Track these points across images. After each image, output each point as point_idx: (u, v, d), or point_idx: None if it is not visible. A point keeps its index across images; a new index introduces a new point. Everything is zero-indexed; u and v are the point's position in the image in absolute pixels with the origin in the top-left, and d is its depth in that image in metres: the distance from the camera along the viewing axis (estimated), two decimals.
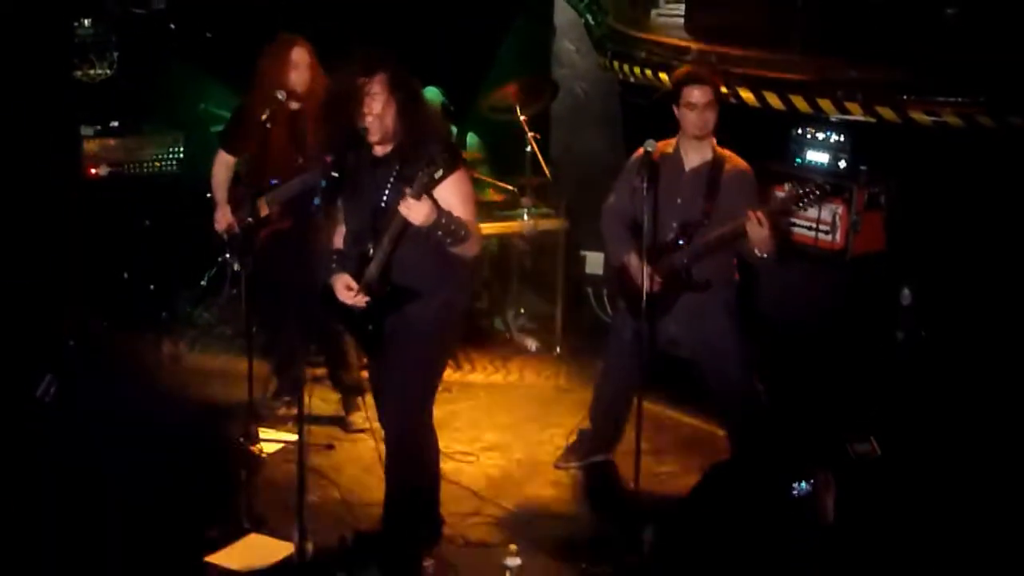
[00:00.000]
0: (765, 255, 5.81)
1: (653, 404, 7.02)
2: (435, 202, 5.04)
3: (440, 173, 4.94)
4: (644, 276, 5.59)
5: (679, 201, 6.04)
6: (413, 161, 5.12)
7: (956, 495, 5.48)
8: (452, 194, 5.15)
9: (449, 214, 5.06)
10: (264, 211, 6.54)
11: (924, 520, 5.34)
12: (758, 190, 6.09)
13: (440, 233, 5.05)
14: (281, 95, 6.36)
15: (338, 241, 5.51)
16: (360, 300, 5.30)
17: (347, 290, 5.31)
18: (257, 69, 6.61)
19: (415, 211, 4.98)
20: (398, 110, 5.15)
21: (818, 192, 5.75)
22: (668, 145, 6.12)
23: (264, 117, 6.24)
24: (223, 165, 6.83)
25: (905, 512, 5.37)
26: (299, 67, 6.49)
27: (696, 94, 5.94)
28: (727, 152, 6.08)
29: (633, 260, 6.05)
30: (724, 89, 6.38)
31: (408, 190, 4.98)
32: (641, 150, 5.79)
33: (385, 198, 5.21)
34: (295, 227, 6.47)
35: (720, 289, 6.10)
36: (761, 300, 7.05)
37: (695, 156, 6.07)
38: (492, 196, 8.45)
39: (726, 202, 5.96)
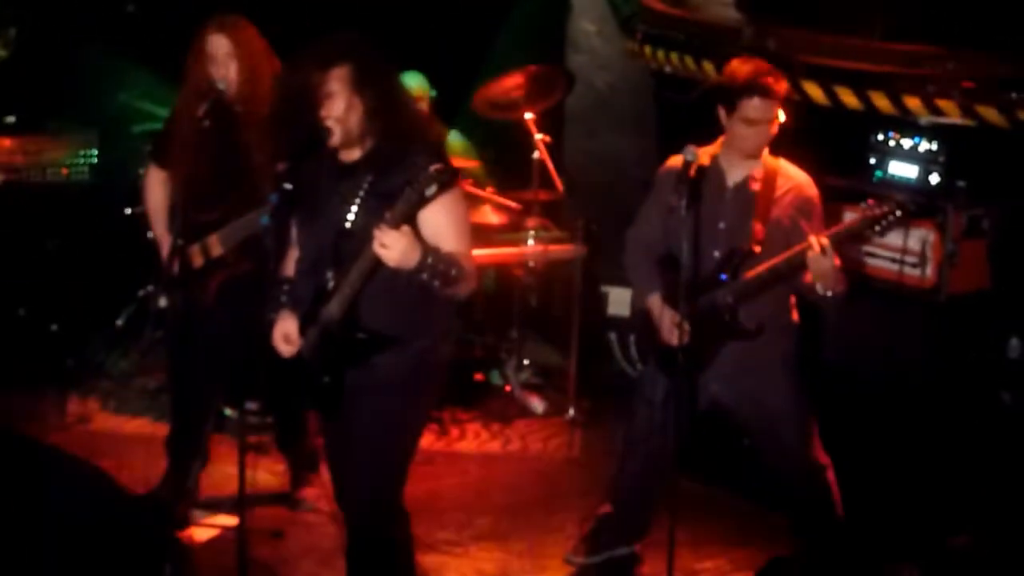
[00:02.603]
0: (830, 293, 5.79)
1: (692, 481, 7.00)
2: (419, 235, 5.00)
3: (433, 189, 4.88)
4: (672, 324, 5.58)
5: (722, 225, 6.03)
6: (390, 171, 5.11)
7: None
8: (444, 218, 5.11)
9: (436, 252, 5.00)
10: (216, 250, 6.54)
11: None
12: (822, 210, 6.09)
13: (425, 276, 5.01)
14: (222, 84, 6.36)
15: (289, 268, 5.50)
16: (293, 351, 5.32)
17: (285, 341, 5.32)
18: (187, 60, 6.57)
19: (393, 248, 4.89)
20: (367, 111, 5.14)
21: (900, 212, 5.72)
22: (705, 154, 6.06)
23: (201, 113, 6.23)
24: (157, 183, 6.77)
25: None
26: (217, 60, 6.41)
27: (757, 108, 5.88)
28: (781, 162, 6.07)
29: (656, 304, 6.06)
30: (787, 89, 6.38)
31: (387, 215, 4.89)
32: (678, 159, 5.78)
33: (352, 216, 5.19)
34: (255, 272, 6.41)
35: (774, 337, 6.08)
36: (830, 350, 7.05)
37: (740, 168, 6.06)
38: (488, 216, 8.45)
39: (781, 225, 5.96)
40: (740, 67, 6.05)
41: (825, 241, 5.67)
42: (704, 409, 6.25)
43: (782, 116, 5.93)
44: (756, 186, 6.02)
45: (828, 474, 6.20)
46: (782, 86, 5.96)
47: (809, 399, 6.18)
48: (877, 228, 5.78)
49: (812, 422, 6.18)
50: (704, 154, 6.01)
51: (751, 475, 6.70)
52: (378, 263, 5.00)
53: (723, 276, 6.01)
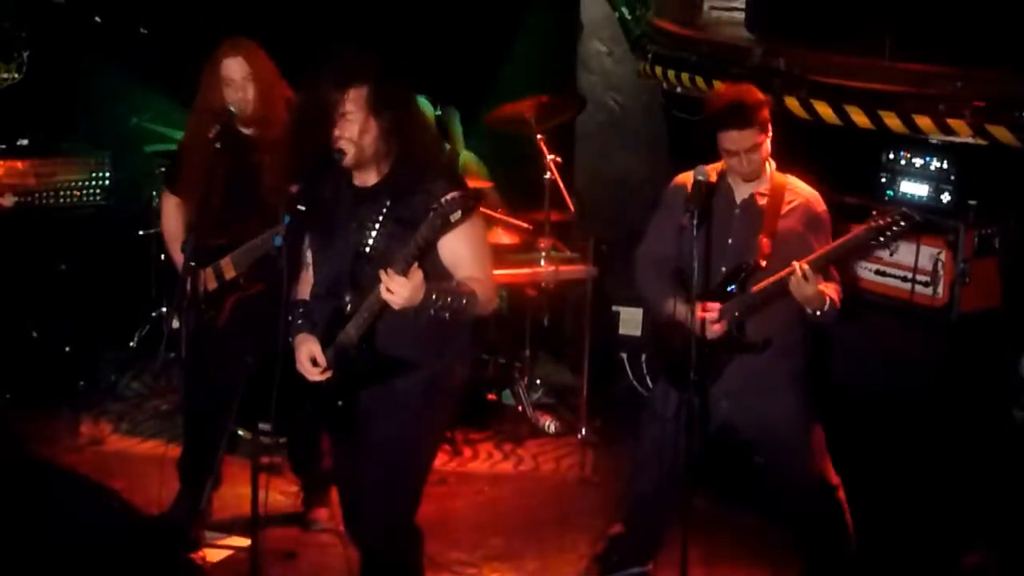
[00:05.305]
0: (818, 313, 5.84)
1: (704, 499, 7.00)
2: (435, 261, 5.05)
3: (458, 215, 4.88)
4: (696, 327, 5.63)
5: (730, 241, 6.07)
6: (409, 196, 5.13)
7: None
8: (462, 243, 5.14)
9: (444, 289, 5.02)
10: (230, 273, 6.57)
11: None
12: (830, 225, 6.11)
13: (432, 312, 5.02)
14: (234, 107, 6.39)
15: (303, 291, 5.50)
16: (323, 376, 5.32)
17: (311, 364, 5.30)
18: (199, 85, 6.61)
19: (398, 295, 4.91)
20: (382, 133, 5.14)
21: (903, 223, 5.76)
22: (712, 171, 6.11)
23: (212, 135, 6.25)
24: (173, 210, 6.82)
25: None
26: (233, 83, 6.44)
27: (733, 139, 5.94)
28: (789, 178, 6.11)
29: (681, 308, 6.04)
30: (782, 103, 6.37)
31: (399, 256, 4.90)
32: (686, 176, 5.84)
33: (372, 241, 5.20)
34: (267, 293, 6.42)
35: (783, 354, 6.10)
36: (840, 369, 7.05)
37: (748, 185, 6.10)
38: (500, 236, 8.46)
39: (789, 240, 5.98)
40: (717, 98, 6.11)
41: (806, 267, 5.71)
42: (716, 428, 6.27)
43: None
44: (763, 202, 6.06)
45: (839, 494, 6.21)
46: (762, 113, 5.97)
47: (819, 418, 6.19)
48: (882, 239, 5.81)
49: (822, 441, 6.19)
50: (712, 171, 6.07)
51: (763, 493, 6.70)
52: (385, 303, 5.01)
53: (731, 289, 6.04)
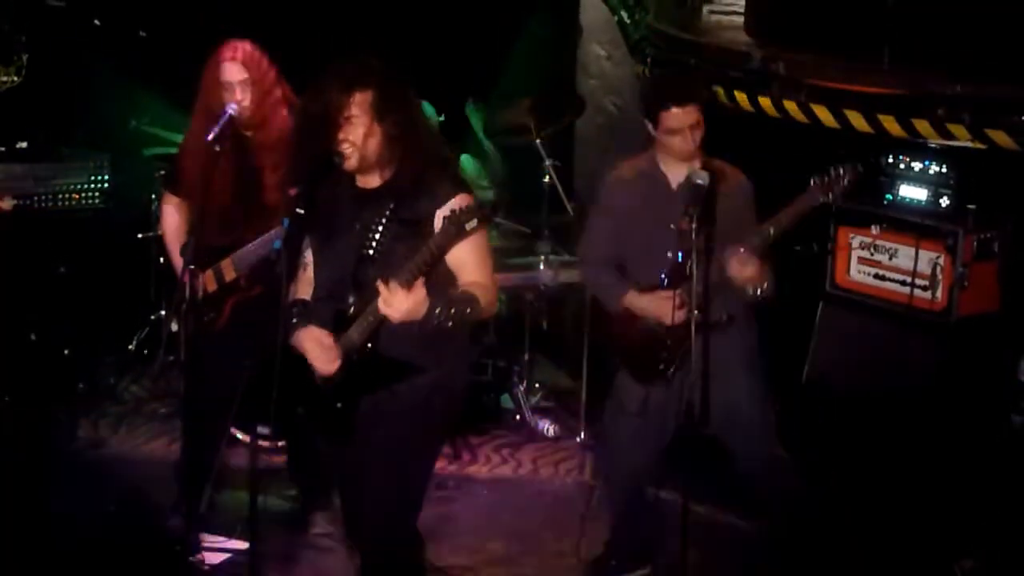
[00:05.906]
0: (759, 292, 5.92)
1: (702, 504, 7.02)
2: (433, 274, 5.04)
3: (474, 223, 4.89)
4: (664, 303, 5.86)
5: (672, 226, 6.04)
6: (412, 198, 5.14)
7: None
8: (467, 249, 5.12)
9: (447, 301, 5.01)
10: (230, 275, 6.58)
11: None
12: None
13: (435, 323, 5.00)
14: (232, 109, 6.39)
15: (303, 291, 5.47)
16: (335, 365, 5.30)
17: (321, 347, 5.24)
18: (199, 87, 6.61)
19: (397, 309, 4.91)
20: (386, 138, 5.14)
21: (847, 177, 5.81)
22: (641, 160, 6.25)
23: (211, 137, 6.26)
24: (172, 210, 6.83)
25: None
26: (231, 87, 6.42)
27: (676, 117, 5.99)
28: (717, 162, 6.15)
29: (636, 297, 6.15)
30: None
31: (406, 266, 4.90)
32: (619, 173, 6.19)
33: (375, 244, 5.19)
34: (267, 296, 6.40)
35: (745, 331, 6.19)
36: (839, 372, 7.06)
37: (680, 170, 6.11)
38: (500, 240, 8.46)
39: (732, 218, 6.02)
40: (656, 82, 6.18)
41: (746, 251, 5.82)
42: (682, 413, 6.25)
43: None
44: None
45: (786, 464, 6.25)
46: (699, 91, 6.10)
47: (769, 394, 6.27)
48: (831, 195, 5.85)
49: (772, 416, 6.26)
50: (638, 161, 6.27)
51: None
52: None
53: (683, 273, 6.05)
